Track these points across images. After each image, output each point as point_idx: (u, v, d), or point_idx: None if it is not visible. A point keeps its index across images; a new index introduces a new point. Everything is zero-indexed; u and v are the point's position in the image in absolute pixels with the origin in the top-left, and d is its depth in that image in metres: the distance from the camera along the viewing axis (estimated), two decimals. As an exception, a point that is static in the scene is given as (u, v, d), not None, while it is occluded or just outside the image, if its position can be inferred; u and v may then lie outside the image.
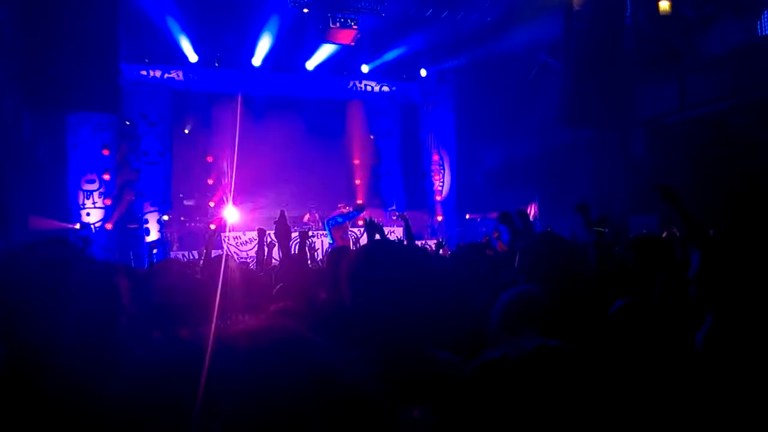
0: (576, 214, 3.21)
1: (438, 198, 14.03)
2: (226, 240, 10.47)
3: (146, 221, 11.41)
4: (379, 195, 14.06)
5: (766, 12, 7.84)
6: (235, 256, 10.32)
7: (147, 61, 11.18)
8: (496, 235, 6.70)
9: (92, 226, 10.39)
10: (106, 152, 10.71)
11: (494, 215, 12.06)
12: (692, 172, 7.74)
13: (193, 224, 12.03)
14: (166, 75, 11.62)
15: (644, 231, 7.16)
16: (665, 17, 9.07)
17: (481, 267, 3.53)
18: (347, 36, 11.60)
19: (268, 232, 5.56)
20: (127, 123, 11.17)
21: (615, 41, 9.43)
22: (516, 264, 2.37)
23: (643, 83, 9.24)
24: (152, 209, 11.52)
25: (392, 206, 14.01)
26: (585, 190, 10.34)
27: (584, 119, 9.63)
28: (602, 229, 2.79)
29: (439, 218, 13.80)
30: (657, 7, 9.10)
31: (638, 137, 9.22)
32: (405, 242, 4.61)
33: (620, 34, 9.45)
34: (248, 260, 10.33)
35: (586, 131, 10.13)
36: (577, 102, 9.45)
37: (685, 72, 8.46)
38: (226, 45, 11.87)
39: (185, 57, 11.63)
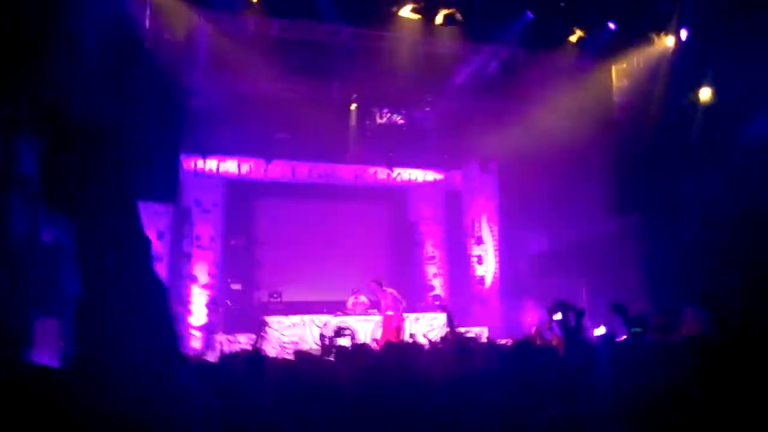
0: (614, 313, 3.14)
1: (482, 284, 13.81)
2: (270, 325, 10.57)
3: (191, 302, 11.72)
4: (421, 280, 13.99)
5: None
6: (278, 340, 10.37)
7: (202, 154, 12.00)
8: (548, 326, 6.52)
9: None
10: (159, 239, 11.30)
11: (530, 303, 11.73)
12: (746, 256, 7.41)
13: (239, 307, 12.28)
14: (220, 165, 12.40)
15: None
16: (707, 106, 9.11)
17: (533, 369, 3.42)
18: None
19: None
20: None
21: (658, 130, 9.48)
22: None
23: (691, 170, 9.12)
24: (200, 292, 11.87)
25: (434, 291, 13.87)
26: (635, 279, 9.96)
27: (631, 206, 9.52)
28: (639, 329, 2.71)
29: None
30: (698, 95, 9.18)
31: (688, 225, 8.97)
32: (447, 329, 4.59)
33: (663, 123, 9.51)
34: (289, 344, 10.36)
35: (634, 218, 9.95)
36: (623, 190, 9.41)
37: (732, 159, 8.32)
38: (276, 139, 12.63)
39: (238, 148, 12.42)
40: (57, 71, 5.93)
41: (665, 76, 9.44)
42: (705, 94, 8.99)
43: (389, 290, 10.72)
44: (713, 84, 9.00)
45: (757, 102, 8.25)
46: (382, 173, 13.72)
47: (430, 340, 5.30)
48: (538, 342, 4.45)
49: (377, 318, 11.42)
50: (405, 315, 10.87)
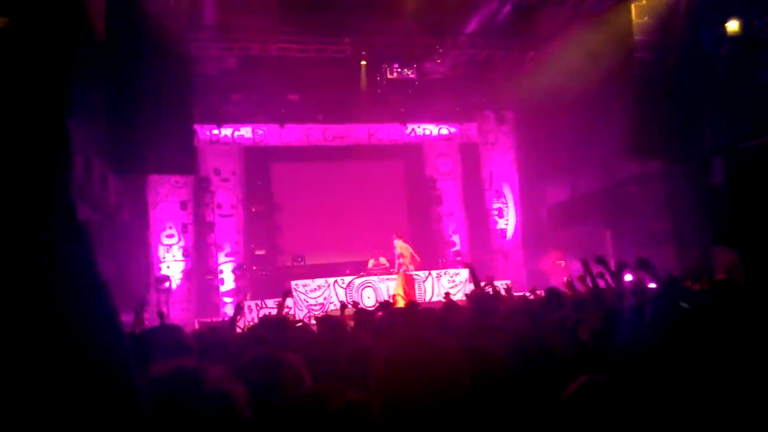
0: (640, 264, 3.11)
1: (503, 237, 13.78)
2: (296, 288, 10.74)
3: (221, 271, 11.97)
4: (442, 237, 14.01)
5: None
6: (305, 303, 10.57)
7: (217, 122, 11.97)
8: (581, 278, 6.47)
9: (172, 278, 11.01)
10: (184, 208, 11.45)
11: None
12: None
13: (264, 273, 12.50)
14: (235, 133, 12.38)
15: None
16: (735, 38, 8.68)
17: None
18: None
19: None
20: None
21: (683, 68, 9.12)
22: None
23: (717, 109, 8.81)
24: (227, 260, 12.09)
25: (455, 247, 13.90)
26: (659, 224, 9.84)
27: (653, 150, 9.28)
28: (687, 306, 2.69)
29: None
30: (725, 28, 8.75)
31: (715, 166, 8.73)
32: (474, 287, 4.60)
33: (688, 59, 9.13)
34: (316, 306, 10.56)
35: (657, 162, 9.73)
36: (645, 132, 9.14)
37: (761, 93, 8.00)
38: (288, 101, 12.52)
39: (252, 114, 12.36)
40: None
41: (689, 9, 8.99)
42: (732, 26, 8.55)
43: (405, 246, 10.65)
44: (741, 14, 8.54)
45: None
46: (395, 130, 13.55)
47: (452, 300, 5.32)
48: (569, 293, 4.43)
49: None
50: (417, 273, 10.84)
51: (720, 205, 8.23)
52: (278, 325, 3.75)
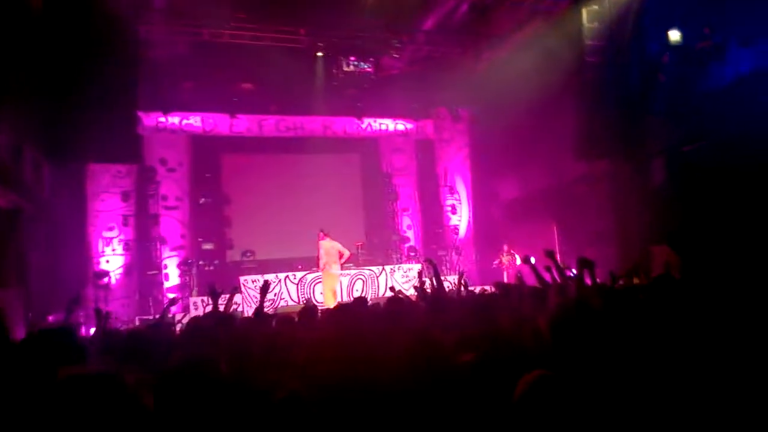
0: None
1: (456, 233, 13.93)
2: (245, 284, 10.48)
3: (165, 266, 11.51)
4: (396, 232, 14.02)
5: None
6: (255, 300, 10.31)
7: (164, 110, 11.47)
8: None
9: (111, 273, 10.50)
10: (126, 200, 10.92)
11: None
12: (711, 198, 7.60)
13: (212, 268, 12.12)
14: (183, 121, 11.91)
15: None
16: (676, 47, 9.05)
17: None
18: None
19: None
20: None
21: (627, 73, 9.43)
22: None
23: (658, 113, 9.17)
24: (171, 254, 11.64)
25: (410, 243, 13.94)
26: (603, 222, 10.16)
27: (599, 152, 9.57)
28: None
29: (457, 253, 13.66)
30: (667, 37, 9.10)
31: (656, 167, 9.10)
32: (435, 285, 4.58)
33: (634, 65, 9.45)
34: (266, 303, 10.32)
35: (603, 163, 10.05)
36: (592, 135, 9.42)
37: (699, 100, 8.37)
38: (240, 90, 12.16)
39: (202, 103, 11.93)
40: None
41: (635, 17, 9.31)
42: (674, 36, 8.92)
43: (331, 245, 10.25)
44: (682, 25, 8.92)
45: (726, 43, 8.23)
46: (351, 124, 13.42)
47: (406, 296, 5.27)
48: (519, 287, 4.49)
49: (354, 271, 11.44)
50: (340, 271, 10.48)
51: (660, 204, 8.58)
52: (224, 322, 3.59)
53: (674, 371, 1.75)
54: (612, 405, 1.53)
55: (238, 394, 1.63)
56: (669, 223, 8.19)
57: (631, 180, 9.44)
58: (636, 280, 5.42)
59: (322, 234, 10.35)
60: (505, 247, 12.05)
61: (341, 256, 10.25)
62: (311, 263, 11.47)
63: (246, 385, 1.85)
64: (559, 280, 4.07)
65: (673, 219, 8.10)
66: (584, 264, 3.41)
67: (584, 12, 9.38)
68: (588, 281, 3.58)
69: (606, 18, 9.43)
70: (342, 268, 10.73)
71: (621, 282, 5.02)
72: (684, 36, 8.95)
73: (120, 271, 10.76)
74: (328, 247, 10.25)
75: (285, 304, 10.56)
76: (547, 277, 4.23)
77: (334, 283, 10.33)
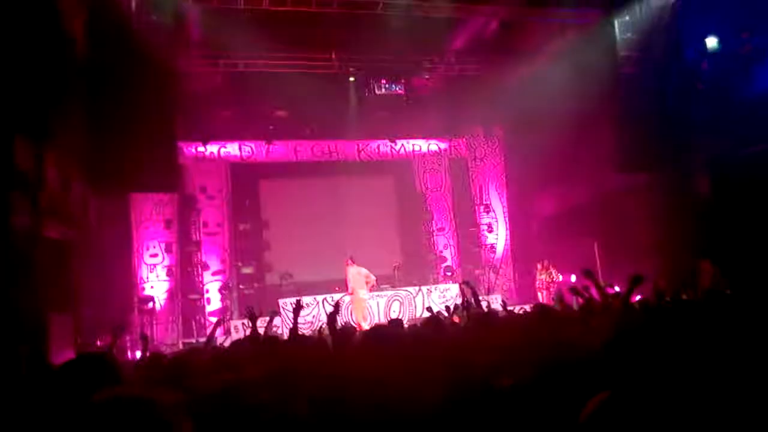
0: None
1: (493, 252, 13.72)
2: (284, 307, 10.58)
3: (207, 291, 11.76)
4: (432, 252, 13.93)
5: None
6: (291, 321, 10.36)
7: (203, 139, 11.86)
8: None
9: (156, 298, 10.80)
10: (168, 227, 11.28)
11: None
12: (759, 209, 7.24)
13: (251, 292, 12.30)
14: (222, 150, 12.28)
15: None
16: (715, 54, 8.79)
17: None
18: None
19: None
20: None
21: (666, 82, 9.20)
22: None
23: (702, 123, 8.87)
24: (213, 279, 11.89)
25: (446, 263, 13.82)
26: (645, 235, 9.82)
27: (641, 164, 9.31)
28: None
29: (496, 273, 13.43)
30: (705, 44, 8.86)
31: (699, 178, 8.77)
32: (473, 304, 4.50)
33: (672, 74, 9.22)
34: (305, 325, 10.38)
35: (643, 175, 9.76)
36: (633, 147, 9.19)
37: (743, 107, 8.06)
38: (275, 117, 12.46)
39: (239, 131, 12.29)
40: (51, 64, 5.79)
41: (671, 25, 9.11)
42: (712, 42, 8.66)
43: (357, 270, 10.55)
44: (719, 31, 8.66)
45: (764, 47, 7.94)
46: (385, 146, 13.52)
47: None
48: (559, 308, 4.36)
49: (390, 293, 11.41)
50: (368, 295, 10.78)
51: (704, 216, 8.23)
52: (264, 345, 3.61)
53: (740, 390, 1.66)
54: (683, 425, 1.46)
55: (278, 420, 1.59)
56: (714, 235, 7.84)
57: (674, 192, 9.11)
58: (684, 296, 5.20)
59: (349, 260, 10.56)
60: (539, 265, 11.76)
61: (368, 281, 10.41)
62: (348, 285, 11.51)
63: (285, 411, 1.79)
64: (600, 300, 3.94)
65: (719, 231, 7.75)
66: (636, 281, 3.28)
67: (617, 23, 9.25)
68: (633, 298, 3.46)
69: (640, 28, 9.26)
70: (379, 290, 10.73)
71: (668, 298, 4.82)
72: (722, 42, 8.68)
73: (164, 296, 11.06)
74: (354, 273, 10.46)
75: (323, 326, 10.58)
76: (587, 296, 4.10)
77: (362, 306, 10.44)
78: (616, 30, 9.24)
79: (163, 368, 3.00)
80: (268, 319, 5.02)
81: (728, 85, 8.39)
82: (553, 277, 11.36)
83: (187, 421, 1.21)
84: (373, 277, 10.64)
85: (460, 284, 4.94)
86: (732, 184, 7.93)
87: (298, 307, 4.42)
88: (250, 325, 4.21)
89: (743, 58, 8.20)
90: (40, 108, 5.47)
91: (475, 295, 4.57)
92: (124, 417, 1.13)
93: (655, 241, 9.61)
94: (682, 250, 8.58)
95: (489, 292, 12.14)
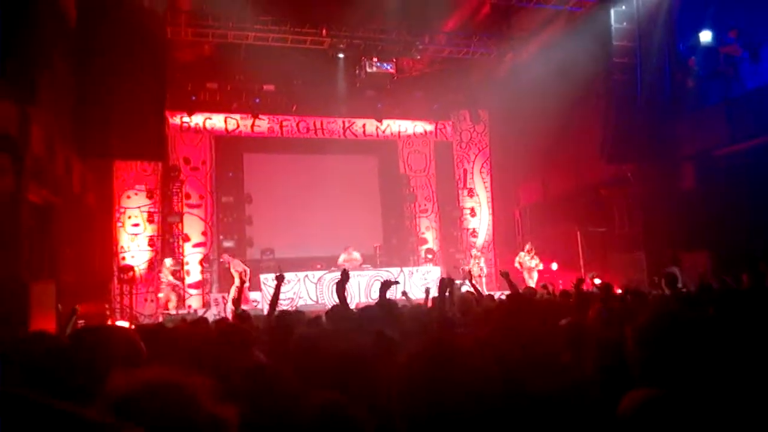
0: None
1: (475, 237, 13.85)
2: (265, 282, 10.52)
3: (187, 263, 11.61)
4: (414, 234, 13.98)
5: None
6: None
7: (188, 110, 11.60)
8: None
9: (136, 268, 10.61)
10: (151, 197, 11.05)
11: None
12: (742, 204, 7.45)
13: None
14: (207, 121, 12.03)
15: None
16: (707, 49, 8.91)
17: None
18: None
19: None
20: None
21: (658, 75, 9.30)
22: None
23: (689, 116, 9.03)
24: (193, 251, 11.74)
25: (427, 245, 13.89)
26: (629, 226, 10.03)
27: (628, 155, 9.44)
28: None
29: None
30: (698, 39, 8.97)
31: (686, 171, 8.95)
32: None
33: (663, 68, 9.32)
34: (285, 301, 10.35)
35: (631, 166, 9.90)
36: (621, 137, 9.29)
37: (732, 103, 8.23)
38: (263, 91, 12.25)
39: (225, 103, 12.05)
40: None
41: (666, 18, 9.18)
42: (705, 37, 8.78)
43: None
44: (714, 27, 8.77)
45: (758, 44, 8.09)
46: (371, 126, 13.43)
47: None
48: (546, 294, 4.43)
49: (372, 273, 11.44)
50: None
51: (689, 209, 8.43)
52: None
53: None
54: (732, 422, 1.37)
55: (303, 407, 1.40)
56: (698, 227, 8.06)
57: (660, 184, 9.28)
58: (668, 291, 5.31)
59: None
60: (528, 246, 11.69)
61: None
62: (330, 263, 11.50)
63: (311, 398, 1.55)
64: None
65: (704, 224, 7.95)
66: (670, 276, 3.25)
67: (612, 12, 9.27)
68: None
69: (635, 19, 9.30)
70: (360, 269, 10.77)
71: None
72: (716, 37, 8.80)
73: (144, 266, 10.88)
74: (345, 258, 10.96)
75: (303, 303, 10.58)
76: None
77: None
78: (612, 19, 9.25)
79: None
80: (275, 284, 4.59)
81: (718, 81, 8.54)
82: (536, 264, 11.48)
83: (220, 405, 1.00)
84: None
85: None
86: (717, 179, 8.11)
87: (280, 279, 4.20)
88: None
89: (733, 56, 8.34)
90: (27, 71, 5.25)
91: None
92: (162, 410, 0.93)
93: (638, 231, 9.82)
94: (666, 242, 8.78)
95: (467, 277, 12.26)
